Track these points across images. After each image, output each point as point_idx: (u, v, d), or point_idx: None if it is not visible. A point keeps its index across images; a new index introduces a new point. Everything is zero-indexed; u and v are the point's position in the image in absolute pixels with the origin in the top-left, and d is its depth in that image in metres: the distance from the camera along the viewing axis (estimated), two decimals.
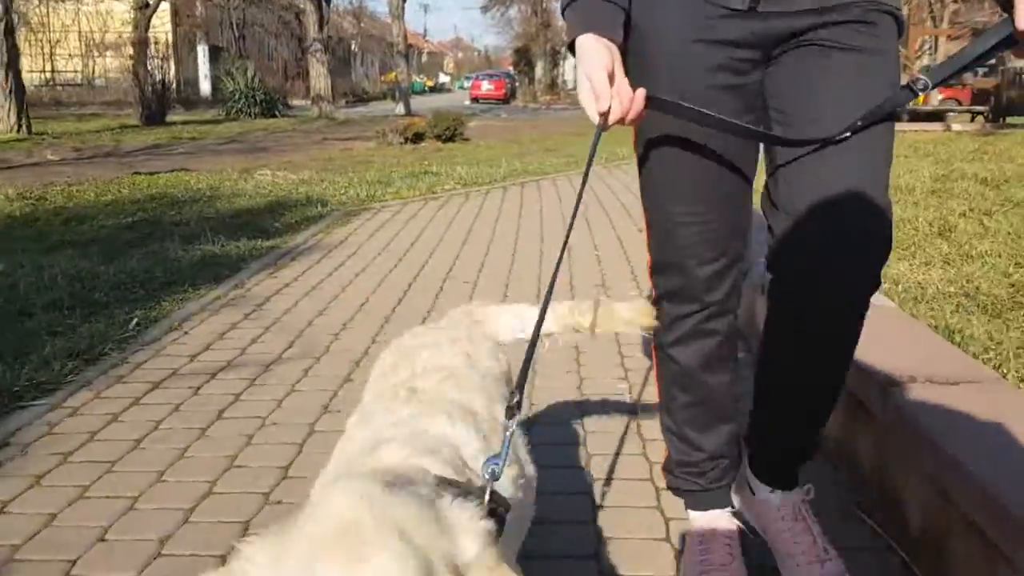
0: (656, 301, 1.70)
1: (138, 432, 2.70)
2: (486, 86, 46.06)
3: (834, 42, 1.45)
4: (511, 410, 1.10)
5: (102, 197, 7.56)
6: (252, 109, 22.73)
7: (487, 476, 1.00)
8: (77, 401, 2.96)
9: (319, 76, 23.05)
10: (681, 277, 1.62)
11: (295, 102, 30.71)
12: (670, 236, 1.61)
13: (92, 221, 6.32)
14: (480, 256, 5.25)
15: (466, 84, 70.57)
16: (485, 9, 52.70)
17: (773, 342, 1.64)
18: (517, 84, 49.75)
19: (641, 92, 1.39)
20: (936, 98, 16.36)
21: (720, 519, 1.80)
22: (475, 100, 44.27)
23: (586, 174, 1.46)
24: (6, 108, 15.22)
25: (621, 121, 1.40)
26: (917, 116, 14.76)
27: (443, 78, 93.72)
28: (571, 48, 1.46)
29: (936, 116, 15.51)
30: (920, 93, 1.46)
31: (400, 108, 25.79)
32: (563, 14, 1.49)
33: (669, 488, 1.90)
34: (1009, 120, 14.42)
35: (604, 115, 1.38)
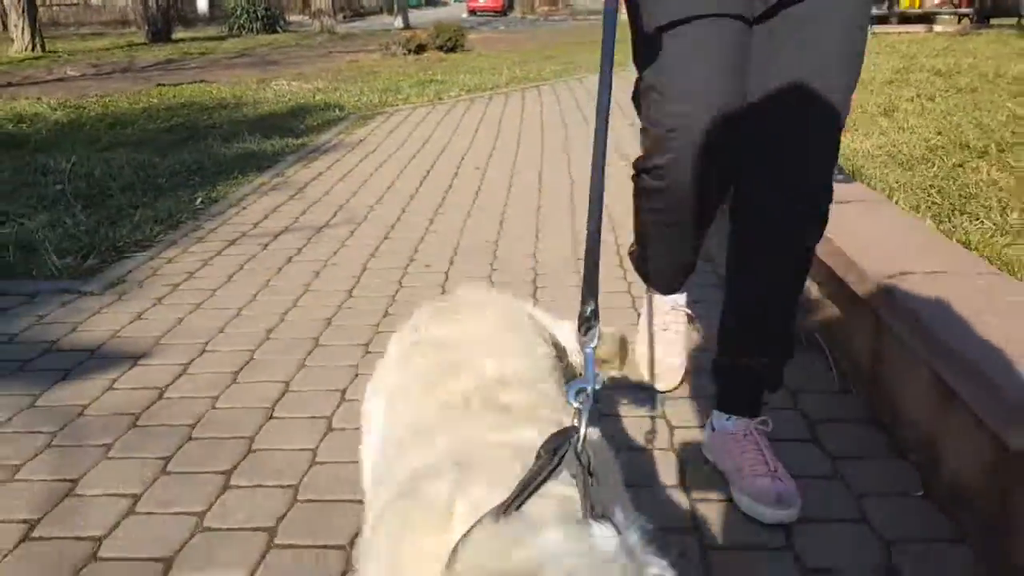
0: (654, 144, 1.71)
1: (227, 272, 3.45)
2: None
3: None
4: (587, 321, 0.89)
5: (136, 105, 8.18)
6: (254, 25, 22.98)
7: (577, 403, 0.80)
8: (171, 253, 3.70)
9: None
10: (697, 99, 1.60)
11: (292, 18, 30.74)
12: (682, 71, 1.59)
13: (134, 125, 6.96)
14: (488, 148, 5.93)
15: None
16: None
17: (737, 239, 1.78)
18: None
19: None
20: (933, 1, 16.57)
21: (678, 299, 2.25)
22: (472, 13, 43.89)
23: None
24: (20, 27, 15.61)
25: None
26: (907, 19, 15.01)
27: None
28: None
29: (926, 18, 15.78)
30: None
31: (399, 22, 25.94)
32: None
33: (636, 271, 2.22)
34: (993, 21, 14.78)
35: None
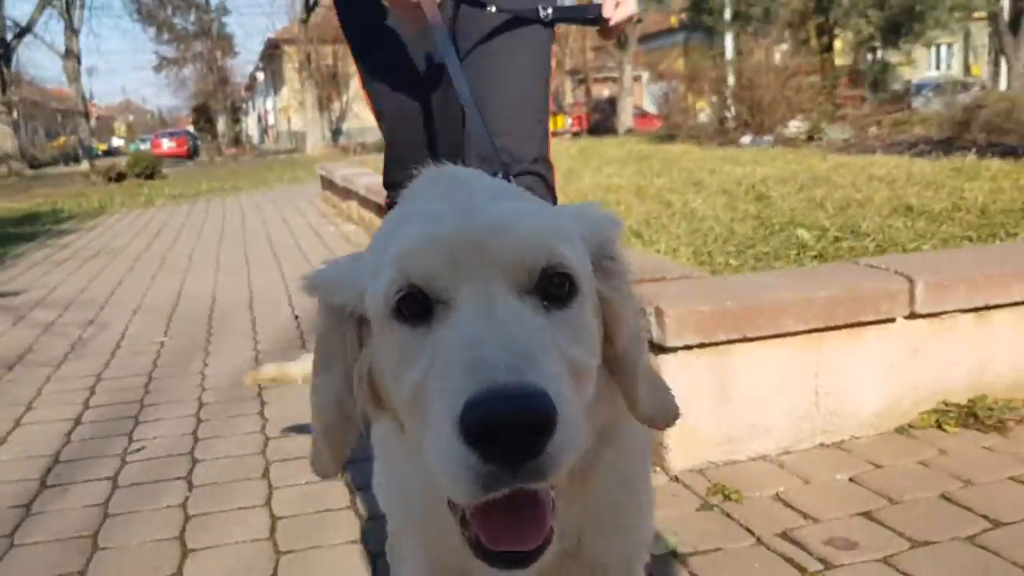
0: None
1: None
2: (167, 143, 46.35)
3: None
4: None
5: None
6: None
7: None
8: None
9: (5, 136, 23.70)
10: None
11: None
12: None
13: None
14: (198, 227, 8.05)
15: (142, 146, 69.33)
16: (158, 69, 53.05)
17: None
18: (199, 141, 50.57)
19: None
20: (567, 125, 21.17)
21: None
22: (157, 159, 44.80)
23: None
24: None
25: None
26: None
27: (116, 142, 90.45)
28: None
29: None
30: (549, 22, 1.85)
31: (85, 164, 26.79)
32: None
33: None
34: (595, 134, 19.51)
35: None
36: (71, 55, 30.21)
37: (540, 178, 1.79)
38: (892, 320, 2.02)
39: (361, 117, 38.40)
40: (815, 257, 2.85)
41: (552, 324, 0.68)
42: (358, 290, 0.76)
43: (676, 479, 1.91)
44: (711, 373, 1.92)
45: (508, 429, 0.58)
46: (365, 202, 6.21)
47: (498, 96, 1.78)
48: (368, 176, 6.66)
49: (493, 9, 1.79)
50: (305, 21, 29.79)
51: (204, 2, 44.25)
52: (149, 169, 15.86)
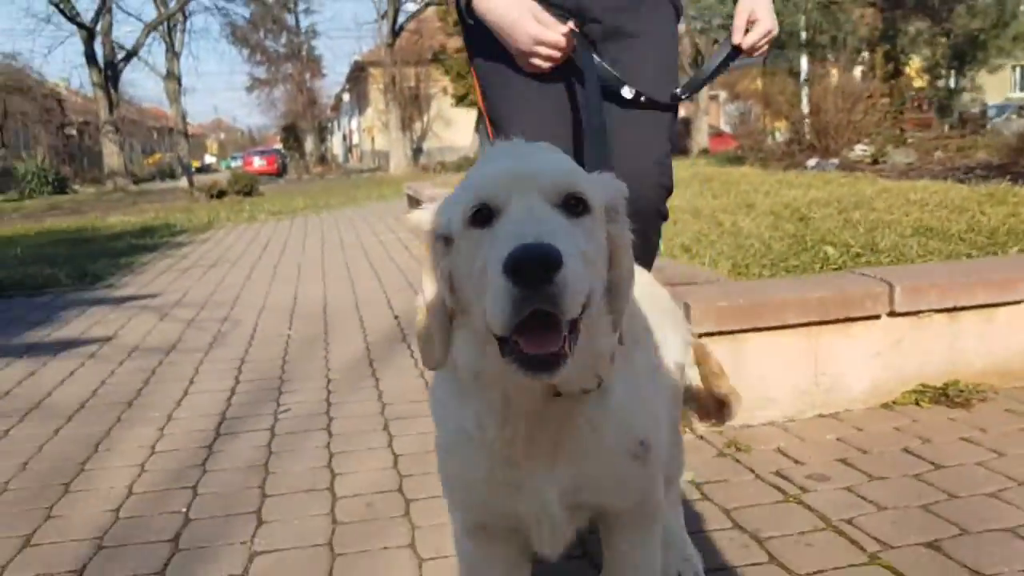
0: None
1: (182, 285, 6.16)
2: (258, 162, 48.25)
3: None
4: None
5: (31, 234, 10.41)
6: (44, 188, 24.67)
7: None
8: (125, 279, 6.34)
9: (112, 154, 25.43)
10: None
11: (76, 186, 32.29)
12: None
13: (24, 244, 9.28)
14: (301, 241, 8.87)
15: (233, 164, 72.08)
16: (250, 90, 55.34)
17: None
18: (288, 159, 52.40)
19: (570, 25, 1.80)
20: None
21: None
22: (254, 177, 46.69)
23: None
24: None
25: (559, 50, 1.84)
26: None
27: (208, 159, 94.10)
28: (468, 15, 1.91)
29: None
30: (681, 100, 2.02)
31: (184, 182, 28.42)
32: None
33: None
34: None
35: (566, 35, 1.80)
36: (172, 77, 32.13)
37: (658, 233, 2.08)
38: (877, 317, 2.56)
39: (441, 137, 39.60)
40: (835, 269, 3.37)
41: (571, 226, 0.99)
42: (446, 218, 1.07)
43: (701, 437, 2.48)
44: (729, 355, 2.47)
45: (531, 263, 0.87)
46: None
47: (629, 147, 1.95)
48: None
49: (629, 95, 1.96)
50: (391, 45, 30.97)
51: (295, 25, 46.07)
52: (248, 187, 16.98)
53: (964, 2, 10.34)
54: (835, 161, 10.19)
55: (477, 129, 38.83)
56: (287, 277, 6.06)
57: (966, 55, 10.46)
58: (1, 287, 5.92)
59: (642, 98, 1.93)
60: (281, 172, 47.44)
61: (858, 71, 12.87)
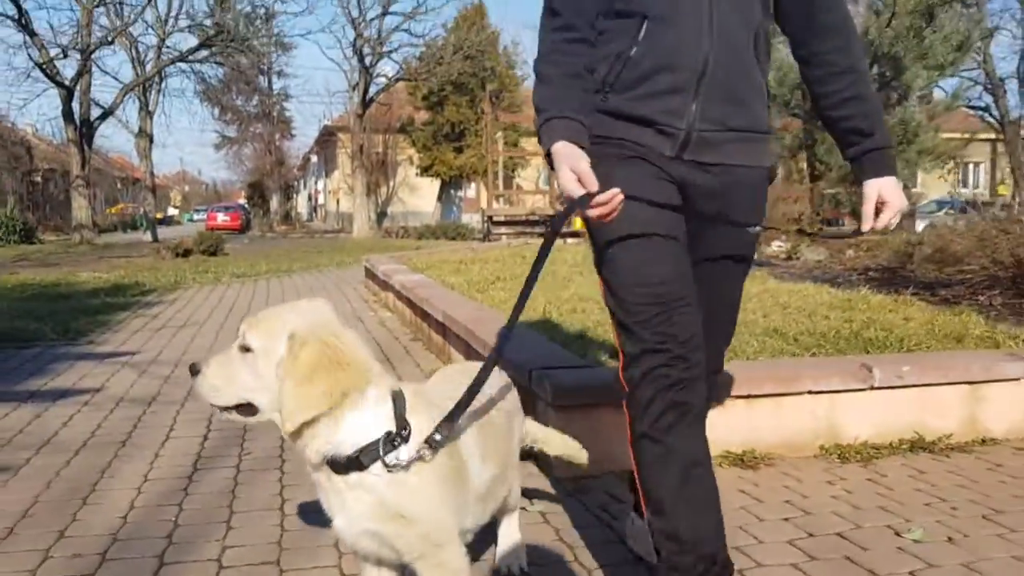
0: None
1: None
2: (222, 217, 48.81)
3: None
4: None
5: (9, 286, 11.07)
6: (11, 237, 25.19)
7: None
8: (104, 336, 7.11)
9: (81, 207, 26.07)
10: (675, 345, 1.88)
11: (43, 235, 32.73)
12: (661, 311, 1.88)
13: (6, 296, 9.98)
14: (263, 305, 9.69)
15: (196, 217, 72.70)
16: (218, 148, 56.33)
17: None
18: (251, 216, 53.08)
19: (617, 191, 1.75)
20: None
21: None
22: (211, 231, 47.24)
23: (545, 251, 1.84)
24: None
25: (599, 216, 1.77)
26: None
27: (171, 211, 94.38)
28: (547, 157, 1.86)
29: None
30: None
31: (148, 235, 29.09)
32: (539, 131, 1.89)
33: None
34: None
35: (589, 195, 1.75)
36: (144, 134, 32.97)
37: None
38: None
39: (405, 202, 40.78)
40: None
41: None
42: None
43: (558, 479, 3.36)
44: (588, 428, 3.39)
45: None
46: (399, 295, 7.78)
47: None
48: (404, 274, 8.26)
49: (758, 228, 2.10)
50: (360, 115, 32.18)
51: (267, 87, 47.28)
52: (213, 247, 17.76)
53: None
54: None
55: (440, 199, 40.22)
56: None
57: None
58: None
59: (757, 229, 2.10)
60: (244, 228, 48.04)
61: (780, 175, 14.18)
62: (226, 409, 1.84)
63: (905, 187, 16.40)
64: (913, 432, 3.71)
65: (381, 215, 38.52)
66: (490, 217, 22.44)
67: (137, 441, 4.00)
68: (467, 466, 1.96)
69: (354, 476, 1.78)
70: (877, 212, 2.01)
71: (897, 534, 2.79)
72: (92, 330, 7.38)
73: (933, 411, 3.74)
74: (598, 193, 1.76)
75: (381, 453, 1.75)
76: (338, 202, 45.12)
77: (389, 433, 1.77)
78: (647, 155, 1.94)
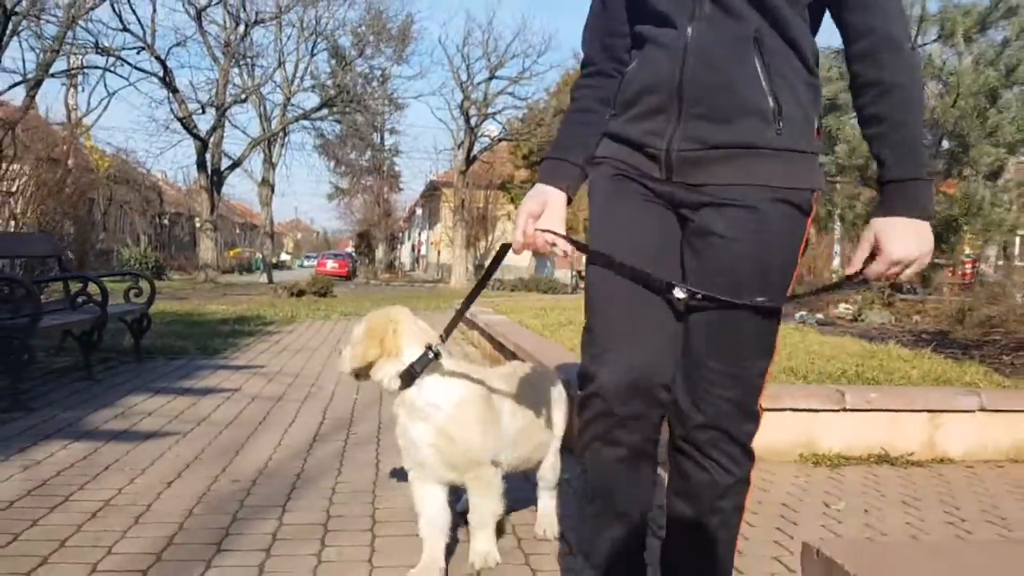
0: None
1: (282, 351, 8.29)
2: (331, 264, 51.12)
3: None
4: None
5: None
6: (145, 273, 27.63)
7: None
8: (236, 354, 8.49)
9: (207, 249, 28.54)
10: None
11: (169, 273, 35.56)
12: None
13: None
14: None
15: (306, 263, 76.11)
16: (331, 198, 59.40)
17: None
18: (358, 263, 55.50)
19: (540, 232, 1.98)
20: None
21: None
22: (330, 281, 49.47)
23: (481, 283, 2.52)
24: None
25: (526, 246, 2.02)
26: None
27: (284, 256, 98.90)
28: None
29: None
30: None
31: (264, 277, 31.34)
32: (541, 164, 2.06)
33: None
34: None
35: (506, 245, 2.09)
36: (266, 183, 35.60)
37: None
38: None
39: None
40: None
41: None
42: None
43: None
44: None
45: None
46: (482, 332, 8.92)
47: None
48: (488, 315, 9.41)
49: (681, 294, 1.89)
50: (464, 172, 33.98)
51: (380, 143, 49.92)
52: (323, 289, 19.41)
53: (942, 193, 12.24)
54: (820, 316, 12.00)
55: (534, 254, 41.44)
56: None
57: (942, 237, 12.14)
58: (150, 351, 8.12)
59: (698, 296, 1.85)
60: (351, 275, 50.29)
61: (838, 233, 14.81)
62: (350, 373, 2.89)
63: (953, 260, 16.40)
64: (880, 448, 4.60)
65: (479, 267, 40.07)
66: (579, 271, 23.55)
67: (270, 422, 5.22)
68: (500, 416, 2.90)
69: (420, 405, 2.71)
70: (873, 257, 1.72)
71: (827, 505, 3.73)
72: (225, 349, 8.77)
73: (898, 433, 4.62)
74: (524, 238, 2.03)
75: (417, 368, 2.60)
76: (439, 253, 47.00)
77: (423, 355, 2.62)
78: (640, 178, 1.93)
